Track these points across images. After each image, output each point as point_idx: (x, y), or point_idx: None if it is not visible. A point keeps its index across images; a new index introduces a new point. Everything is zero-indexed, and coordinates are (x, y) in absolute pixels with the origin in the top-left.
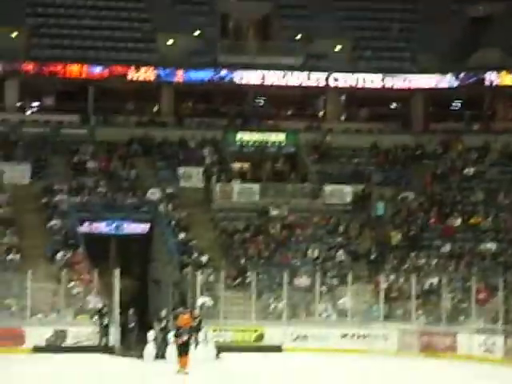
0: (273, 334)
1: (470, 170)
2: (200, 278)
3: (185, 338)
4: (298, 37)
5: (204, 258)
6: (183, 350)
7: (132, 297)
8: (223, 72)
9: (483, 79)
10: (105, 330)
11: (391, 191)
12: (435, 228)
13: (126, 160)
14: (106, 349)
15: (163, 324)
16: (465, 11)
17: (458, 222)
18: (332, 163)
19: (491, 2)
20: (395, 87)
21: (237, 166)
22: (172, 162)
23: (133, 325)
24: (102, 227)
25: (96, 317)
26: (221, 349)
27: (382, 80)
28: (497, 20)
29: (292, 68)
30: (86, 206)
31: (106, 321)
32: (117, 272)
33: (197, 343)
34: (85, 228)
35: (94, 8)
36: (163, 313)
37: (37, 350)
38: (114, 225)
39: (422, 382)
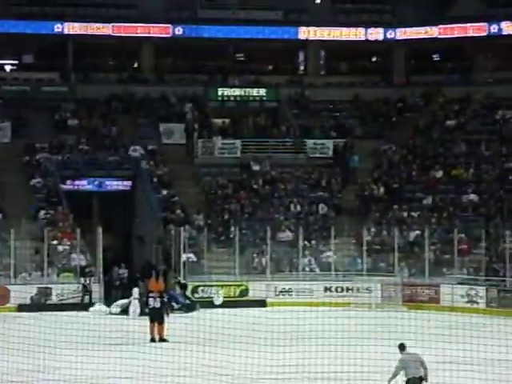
0: (257, 288)
1: (451, 122)
2: (183, 234)
3: (157, 304)
4: None
5: (187, 214)
6: (155, 316)
7: (116, 254)
8: (203, 27)
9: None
10: (88, 288)
11: (373, 144)
12: (417, 181)
13: (106, 117)
14: (90, 306)
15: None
16: None
17: (440, 174)
18: (313, 117)
19: None
20: (376, 40)
21: (218, 121)
22: (153, 119)
23: (117, 282)
24: (84, 185)
25: (80, 275)
26: (204, 304)
27: (363, 33)
28: None
29: (272, 22)
30: (67, 164)
31: (89, 278)
32: (100, 229)
33: (171, 309)
34: (67, 186)
35: None
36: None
37: (21, 308)
38: (97, 182)
39: (406, 332)
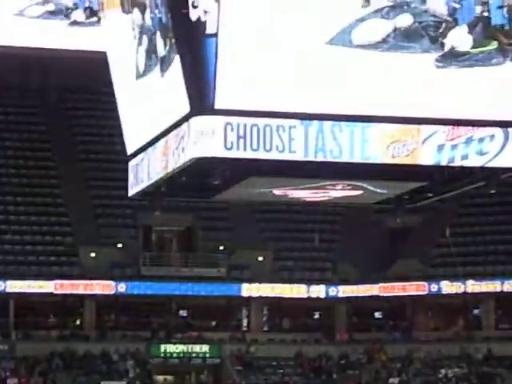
0: None
1: (394, 380)
2: None
3: None
4: (221, 248)
5: None
6: None
7: None
8: (146, 284)
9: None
10: None
11: None
12: None
13: (46, 375)
14: None
15: None
16: (384, 222)
17: None
18: (256, 374)
19: (409, 214)
20: (318, 297)
21: (160, 378)
22: (94, 377)
23: None
24: None
25: None
26: None
27: (305, 290)
28: (414, 231)
29: (215, 279)
30: None
31: None
32: None
33: None
34: None
35: (15, 223)
36: None
37: None
38: None
39: None
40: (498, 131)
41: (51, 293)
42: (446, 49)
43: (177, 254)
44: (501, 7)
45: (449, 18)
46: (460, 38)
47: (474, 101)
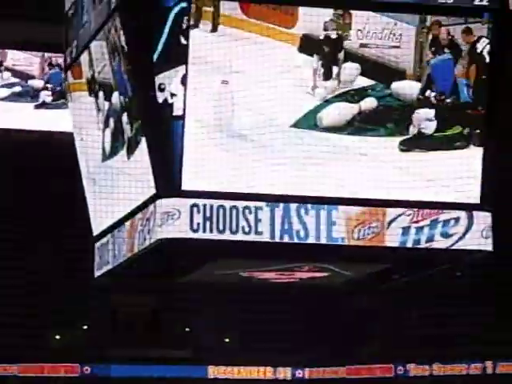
0: None
1: None
2: None
3: None
4: (187, 329)
5: None
6: None
7: None
8: (112, 366)
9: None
10: None
11: None
12: None
13: None
14: None
15: None
16: (350, 303)
17: None
18: None
19: (375, 295)
20: (284, 379)
21: None
22: None
23: None
24: None
25: None
26: None
27: (271, 372)
28: (381, 313)
29: (181, 361)
30: None
31: None
32: None
33: None
34: None
35: None
36: None
37: None
38: None
39: None
40: (462, 214)
41: (15, 375)
42: (411, 132)
43: (143, 335)
44: (468, 86)
45: (413, 102)
46: (424, 122)
47: (439, 183)
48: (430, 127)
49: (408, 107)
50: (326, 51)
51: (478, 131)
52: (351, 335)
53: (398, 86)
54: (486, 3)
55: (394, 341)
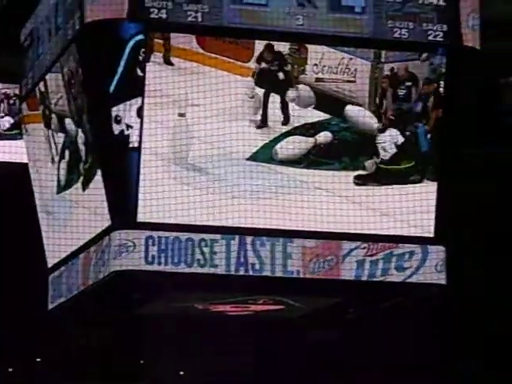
0: None
1: None
2: None
3: None
4: (141, 362)
5: None
6: None
7: None
8: None
9: None
10: None
11: None
12: None
13: None
14: None
15: None
16: (305, 337)
17: None
18: None
19: (330, 329)
20: None
21: None
22: None
23: None
24: None
25: None
26: None
27: None
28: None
29: None
30: None
31: None
32: None
33: None
34: None
35: None
36: None
37: None
38: None
39: None
40: (417, 247)
41: None
42: (366, 166)
43: (96, 368)
44: (427, 132)
45: (361, 136)
46: (379, 157)
47: (393, 217)
48: (384, 162)
49: (365, 140)
50: (282, 85)
51: (431, 166)
52: (305, 370)
53: (354, 114)
54: (441, 39)
55: (348, 373)
